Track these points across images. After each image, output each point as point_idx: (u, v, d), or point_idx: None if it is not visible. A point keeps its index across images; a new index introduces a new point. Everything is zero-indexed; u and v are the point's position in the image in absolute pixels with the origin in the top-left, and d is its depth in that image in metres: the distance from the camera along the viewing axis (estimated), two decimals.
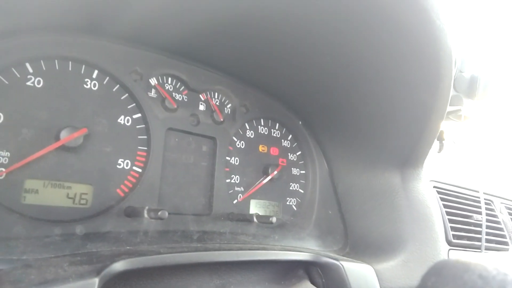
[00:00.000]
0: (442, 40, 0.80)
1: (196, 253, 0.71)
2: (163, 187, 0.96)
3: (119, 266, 0.59)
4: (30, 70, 0.81)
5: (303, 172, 1.30)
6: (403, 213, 1.05)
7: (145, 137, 0.95)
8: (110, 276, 0.56)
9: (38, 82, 0.82)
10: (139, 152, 0.94)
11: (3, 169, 0.75)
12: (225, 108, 1.14)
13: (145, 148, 0.95)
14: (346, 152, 1.24)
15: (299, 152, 1.30)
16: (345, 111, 1.14)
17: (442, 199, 1.25)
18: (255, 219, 1.00)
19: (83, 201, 0.84)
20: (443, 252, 1.06)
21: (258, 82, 1.19)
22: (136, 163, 0.93)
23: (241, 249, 0.80)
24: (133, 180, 0.92)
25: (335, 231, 1.19)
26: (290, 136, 1.29)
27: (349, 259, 0.89)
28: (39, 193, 0.80)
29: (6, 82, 0.78)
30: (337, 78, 1.02)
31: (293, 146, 1.30)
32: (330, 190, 1.27)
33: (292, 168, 1.27)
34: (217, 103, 1.12)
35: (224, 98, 1.15)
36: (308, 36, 0.88)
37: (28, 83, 0.81)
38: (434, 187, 1.27)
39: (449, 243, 1.16)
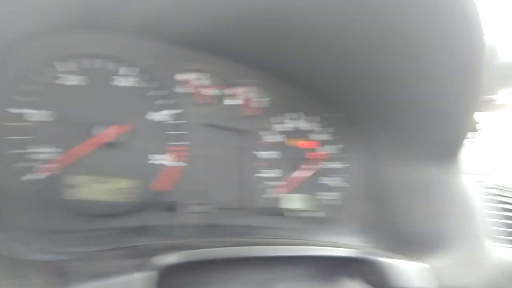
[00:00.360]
0: (476, 27, 0.78)
1: (246, 247, 0.71)
2: (198, 182, 0.97)
3: (174, 258, 0.60)
4: (72, 68, 0.84)
5: (347, 165, 1.25)
6: (449, 208, 1.02)
7: (180, 132, 0.96)
8: (166, 268, 0.57)
9: (80, 80, 0.85)
10: (175, 148, 0.95)
11: (54, 165, 0.78)
12: (256, 102, 1.13)
13: (181, 144, 0.96)
14: (388, 145, 1.20)
15: (342, 145, 1.25)
16: (386, 101, 1.10)
17: (488, 194, 1.19)
18: (292, 214, 0.99)
19: (127, 196, 0.86)
20: (490, 249, 1.01)
21: (291, 75, 1.16)
22: (173, 158, 0.94)
23: (291, 244, 0.79)
24: (172, 175, 0.93)
25: (380, 227, 1.15)
26: (330, 128, 1.25)
27: (401, 256, 0.86)
28: (86, 188, 0.82)
29: (39, 81, 0.81)
30: (378, 68, 0.99)
31: (335, 139, 1.25)
32: (376, 183, 1.22)
33: (330, 162, 1.23)
34: (247, 97, 1.12)
35: (254, 91, 1.13)
36: (346, 23, 0.86)
37: (71, 82, 0.84)
38: (477, 181, 1.21)
39: (495, 239, 1.11)
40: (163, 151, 0.93)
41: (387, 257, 0.79)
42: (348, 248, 0.80)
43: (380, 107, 1.13)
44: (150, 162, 0.91)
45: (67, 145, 0.80)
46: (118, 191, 0.86)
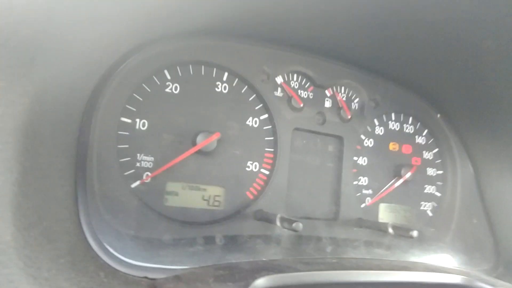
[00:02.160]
0: None
1: (334, 271, 0.68)
2: (290, 190, 0.93)
3: (260, 283, 0.58)
4: (168, 77, 0.84)
5: (441, 172, 1.13)
6: None
7: (272, 138, 0.93)
8: None
9: (175, 88, 0.84)
10: (266, 154, 0.92)
11: (149, 173, 0.80)
12: (353, 104, 1.05)
13: (272, 150, 0.92)
14: (496, 150, 1.05)
15: (436, 150, 1.14)
16: (493, 100, 0.96)
17: None
18: (391, 231, 0.91)
19: (216, 203, 0.87)
20: None
21: (390, 73, 1.06)
22: (264, 165, 0.92)
23: (381, 268, 0.73)
24: (261, 183, 0.91)
25: (483, 246, 1.02)
26: (426, 131, 1.14)
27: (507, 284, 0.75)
28: (179, 195, 0.84)
29: (149, 90, 0.82)
30: (483, 64, 0.86)
31: (429, 142, 1.14)
32: (474, 195, 1.09)
33: (428, 168, 1.12)
34: (344, 98, 1.03)
35: (351, 92, 1.05)
36: (451, 23, 0.74)
37: (167, 90, 0.84)
38: None
39: None
40: (256, 158, 0.91)
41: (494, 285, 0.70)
42: (446, 273, 0.73)
43: (487, 106, 0.98)
44: (242, 169, 0.89)
45: (171, 153, 0.82)
46: (210, 199, 0.86)
